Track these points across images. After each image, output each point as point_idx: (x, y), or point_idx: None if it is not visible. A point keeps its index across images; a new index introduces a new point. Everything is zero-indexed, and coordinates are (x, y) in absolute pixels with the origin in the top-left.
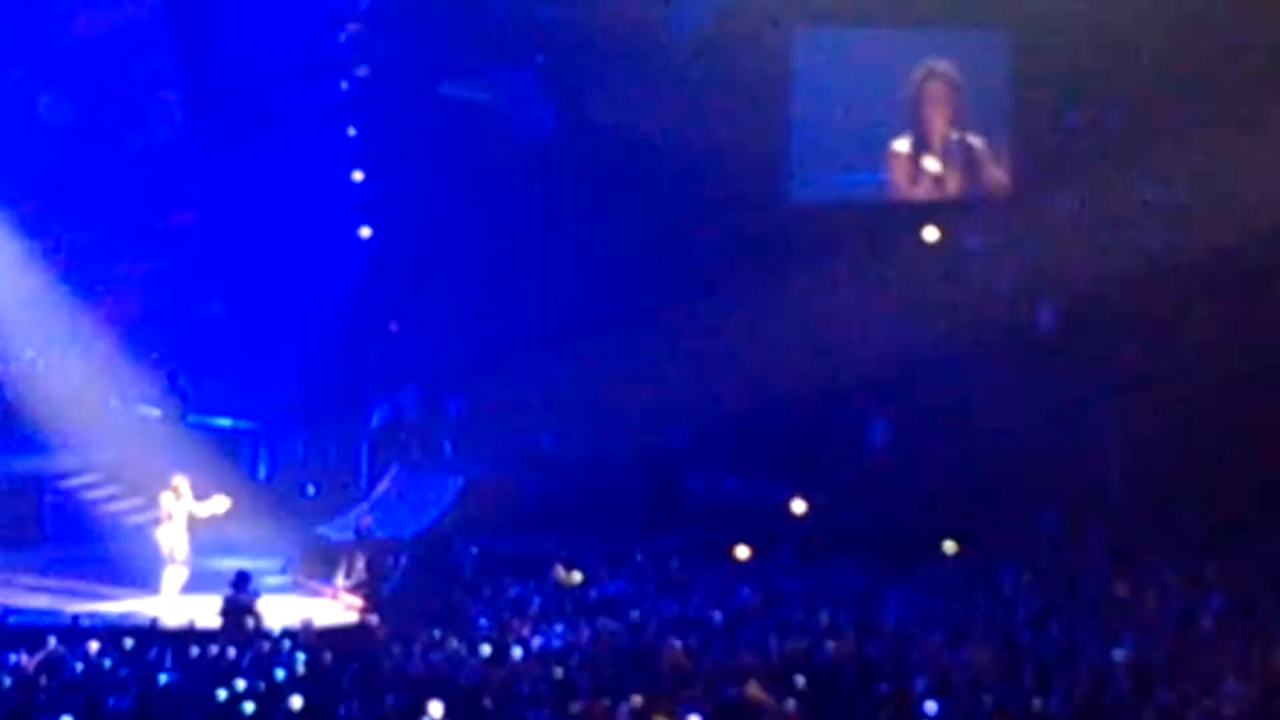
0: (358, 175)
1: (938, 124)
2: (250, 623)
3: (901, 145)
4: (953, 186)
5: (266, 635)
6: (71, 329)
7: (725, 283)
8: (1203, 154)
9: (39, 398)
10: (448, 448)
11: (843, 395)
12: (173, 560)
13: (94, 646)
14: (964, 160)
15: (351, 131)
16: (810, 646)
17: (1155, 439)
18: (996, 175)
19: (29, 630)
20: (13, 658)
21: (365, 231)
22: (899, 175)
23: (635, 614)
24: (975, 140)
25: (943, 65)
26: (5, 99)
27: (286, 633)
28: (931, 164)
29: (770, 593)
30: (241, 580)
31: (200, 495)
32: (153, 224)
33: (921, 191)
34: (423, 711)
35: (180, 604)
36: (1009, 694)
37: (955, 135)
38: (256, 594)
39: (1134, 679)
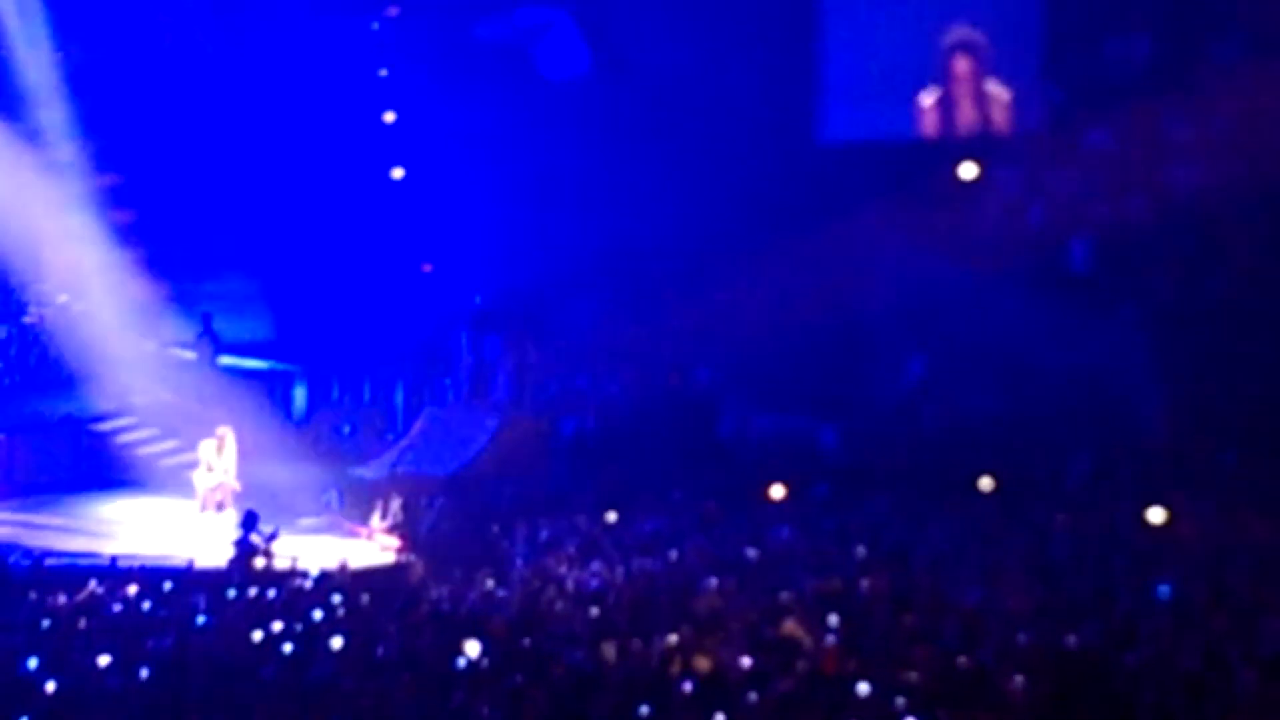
0: (390, 116)
1: (964, 87)
2: (262, 563)
3: (928, 99)
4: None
5: (286, 575)
6: (106, 272)
7: (758, 222)
8: (1239, 87)
9: (75, 341)
10: (483, 388)
11: (877, 333)
12: (210, 506)
13: (132, 589)
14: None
15: (383, 72)
16: (845, 584)
17: (1191, 374)
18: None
19: (67, 573)
20: (51, 600)
21: (398, 173)
22: (927, 127)
23: (672, 553)
24: (1001, 95)
25: (972, 33)
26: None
27: (323, 574)
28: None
29: (805, 530)
30: (250, 520)
31: (238, 439)
32: (185, 165)
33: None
34: (459, 651)
35: (218, 547)
36: (1043, 631)
37: (981, 96)
38: (272, 536)
39: (1172, 616)
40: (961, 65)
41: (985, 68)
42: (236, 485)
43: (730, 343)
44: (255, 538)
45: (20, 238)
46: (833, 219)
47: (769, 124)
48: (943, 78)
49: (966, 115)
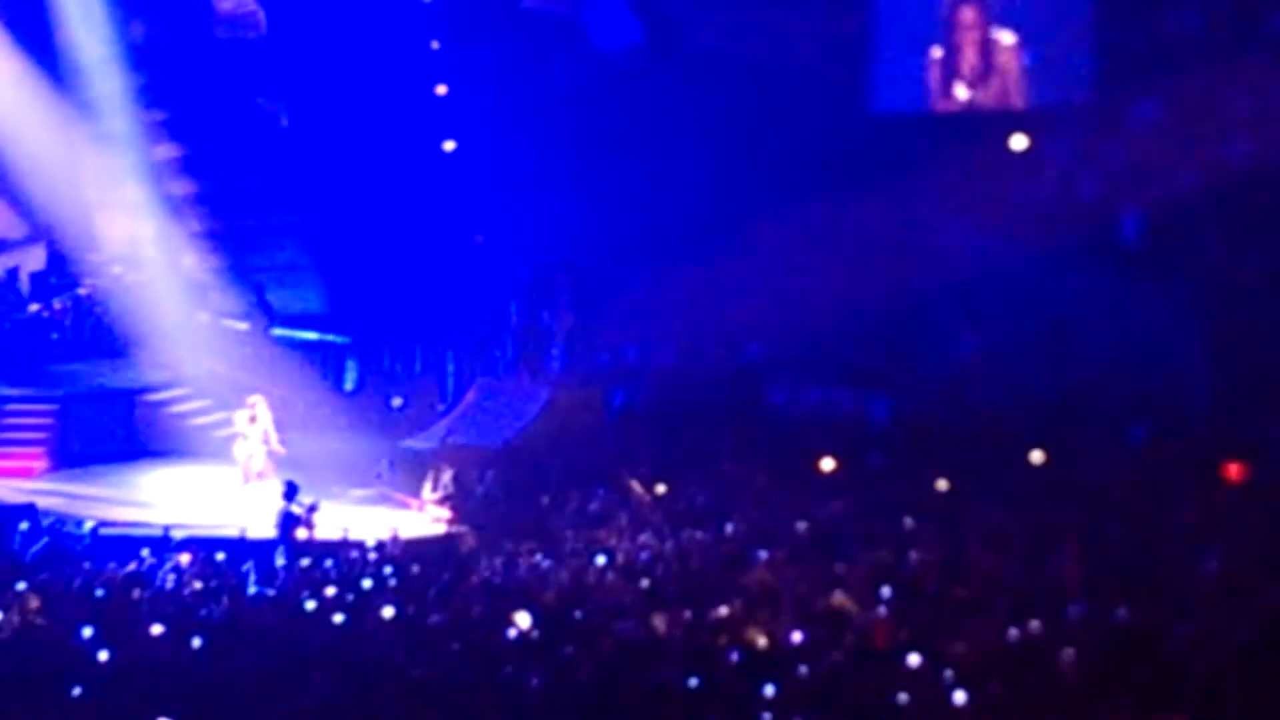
0: (442, 89)
1: (969, 35)
2: (304, 534)
3: (936, 52)
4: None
5: (337, 546)
6: (160, 244)
7: (809, 193)
8: None
9: (128, 313)
10: (534, 360)
11: (927, 306)
12: (251, 475)
13: (184, 558)
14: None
15: (435, 45)
16: (895, 556)
17: (1243, 348)
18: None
19: (121, 543)
20: (105, 570)
21: (450, 145)
22: (932, 80)
23: (724, 526)
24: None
25: None
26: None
27: (375, 544)
28: (961, 90)
29: (856, 503)
30: (290, 491)
31: (287, 409)
32: (239, 137)
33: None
34: (510, 622)
35: (263, 517)
36: (1094, 604)
37: (987, 44)
38: (313, 507)
39: (1224, 589)
40: (967, 14)
41: (992, 17)
42: (280, 450)
43: (781, 314)
44: (296, 508)
45: (75, 209)
46: (884, 190)
47: (820, 94)
48: (949, 29)
49: (970, 63)
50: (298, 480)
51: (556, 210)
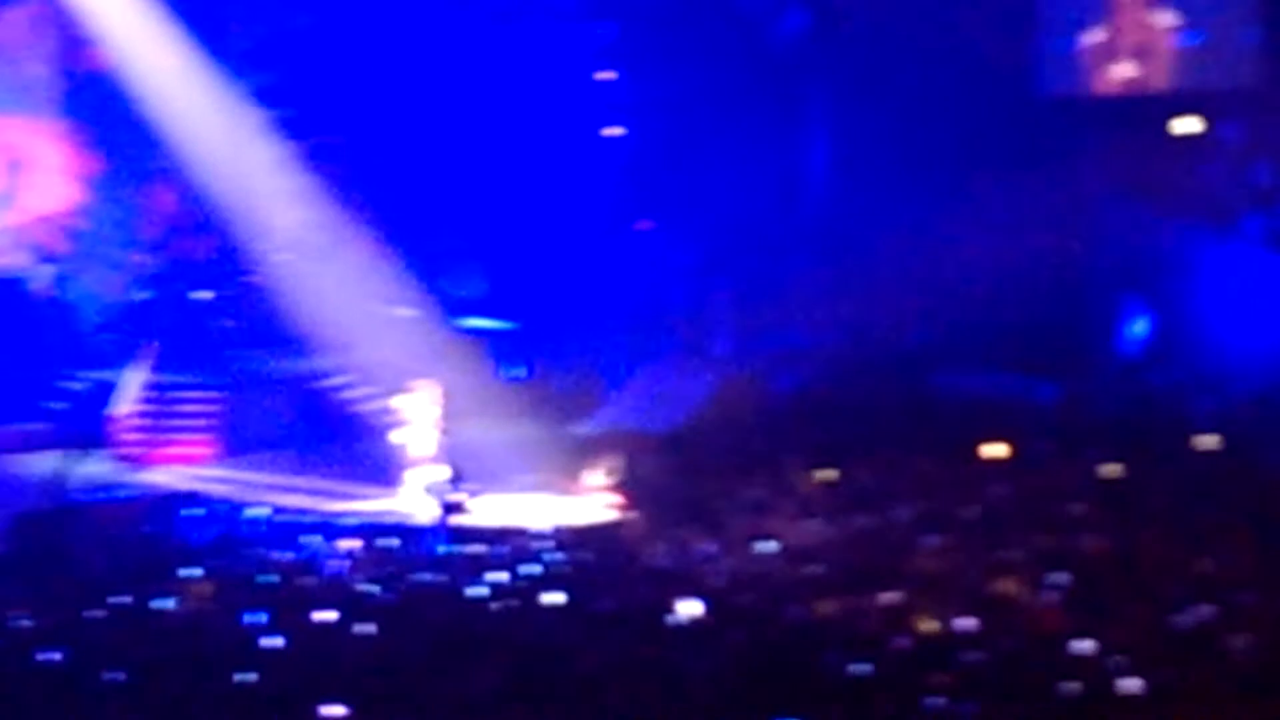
0: (608, 74)
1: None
2: (463, 520)
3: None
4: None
5: (504, 533)
6: (329, 231)
7: (976, 177)
8: None
9: (297, 300)
10: (700, 345)
11: (1097, 290)
12: (419, 462)
13: (353, 544)
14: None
15: (599, 30)
16: (1065, 542)
17: None
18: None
19: (290, 529)
20: (274, 557)
21: (615, 130)
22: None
23: (891, 512)
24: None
25: None
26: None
27: (541, 531)
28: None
29: (1023, 489)
30: (455, 477)
31: (452, 396)
32: (403, 123)
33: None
34: (676, 608)
35: (429, 503)
36: (1267, 591)
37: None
38: (474, 493)
39: None
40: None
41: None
42: (447, 436)
43: (948, 298)
44: (457, 495)
45: (242, 197)
46: (1052, 174)
47: (988, 77)
48: (1109, 11)
49: (1129, 45)
50: (463, 467)
51: (722, 195)
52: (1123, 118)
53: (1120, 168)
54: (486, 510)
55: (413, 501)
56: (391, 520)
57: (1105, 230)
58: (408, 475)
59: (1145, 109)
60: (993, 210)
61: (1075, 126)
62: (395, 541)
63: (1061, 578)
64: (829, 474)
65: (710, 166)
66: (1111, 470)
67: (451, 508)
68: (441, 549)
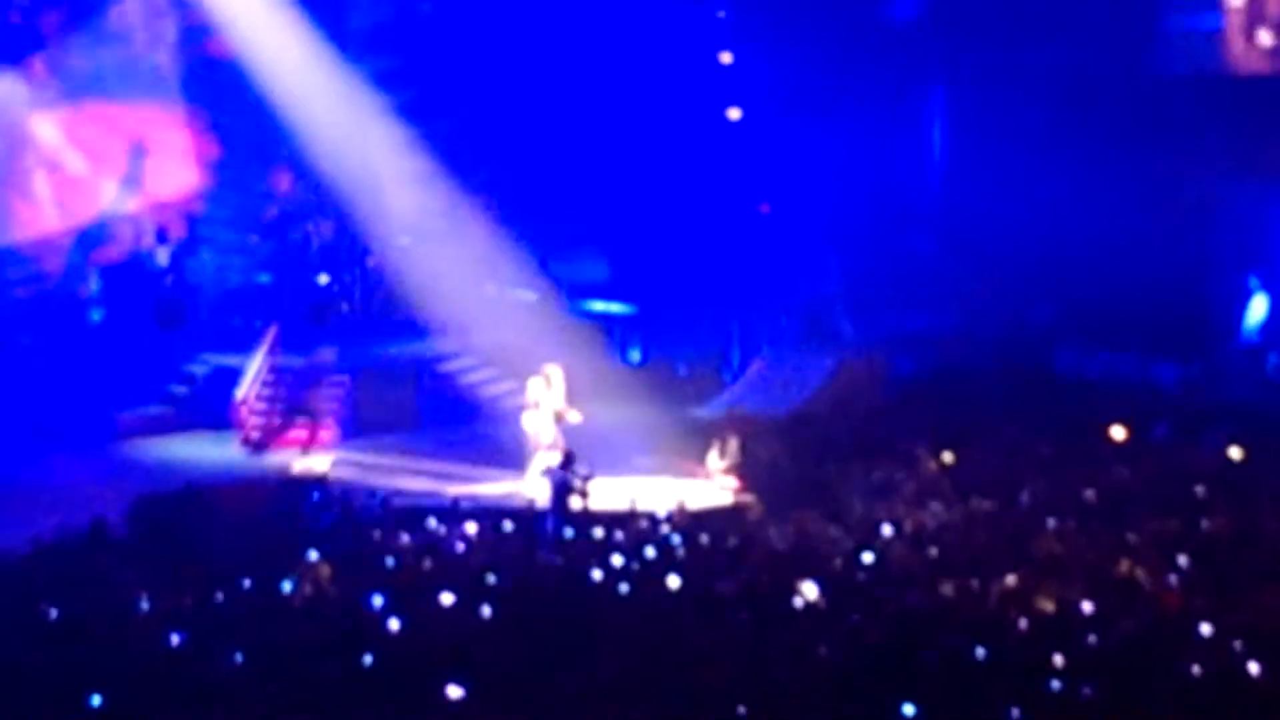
0: (727, 57)
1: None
2: (577, 503)
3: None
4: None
5: (625, 516)
6: (449, 214)
7: (1097, 156)
8: None
9: (416, 284)
10: (820, 328)
11: (1218, 271)
12: (541, 446)
13: (472, 527)
14: None
15: (721, 14)
16: (1186, 524)
17: None
18: None
19: (410, 512)
20: (395, 539)
21: (734, 113)
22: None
23: (1012, 494)
24: None
25: None
26: None
27: (661, 514)
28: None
29: (1145, 471)
30: (569, 460)
31: (574, 381)
32: (522, 107)
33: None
34: (796, 591)
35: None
36: None
37: None
38: (588, 476)
39: None
40: None
41: None
42: (573, 420)
43: (1067, 279)
44: (572, 478)
45: (362, 180)
46: (1173, 154)
47: (1108, 56)
48: None
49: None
50: (584, 451)
51: (842, 177)
52: (1247, 97)
53: (1242, 148)
54: (606, 494)
55: (532, 485)
56: (511, 504)
57: (1228, 211)
58: (528, 459)
59: (1270, 88)
60: (1115, 190)
61: (1200, 105)
62: (514, 525)
63: (1183, 560)
64: (948, 456)
65: (830, 148)
66: (1234, 452)
67: (566, 491)
68: (560, 531)
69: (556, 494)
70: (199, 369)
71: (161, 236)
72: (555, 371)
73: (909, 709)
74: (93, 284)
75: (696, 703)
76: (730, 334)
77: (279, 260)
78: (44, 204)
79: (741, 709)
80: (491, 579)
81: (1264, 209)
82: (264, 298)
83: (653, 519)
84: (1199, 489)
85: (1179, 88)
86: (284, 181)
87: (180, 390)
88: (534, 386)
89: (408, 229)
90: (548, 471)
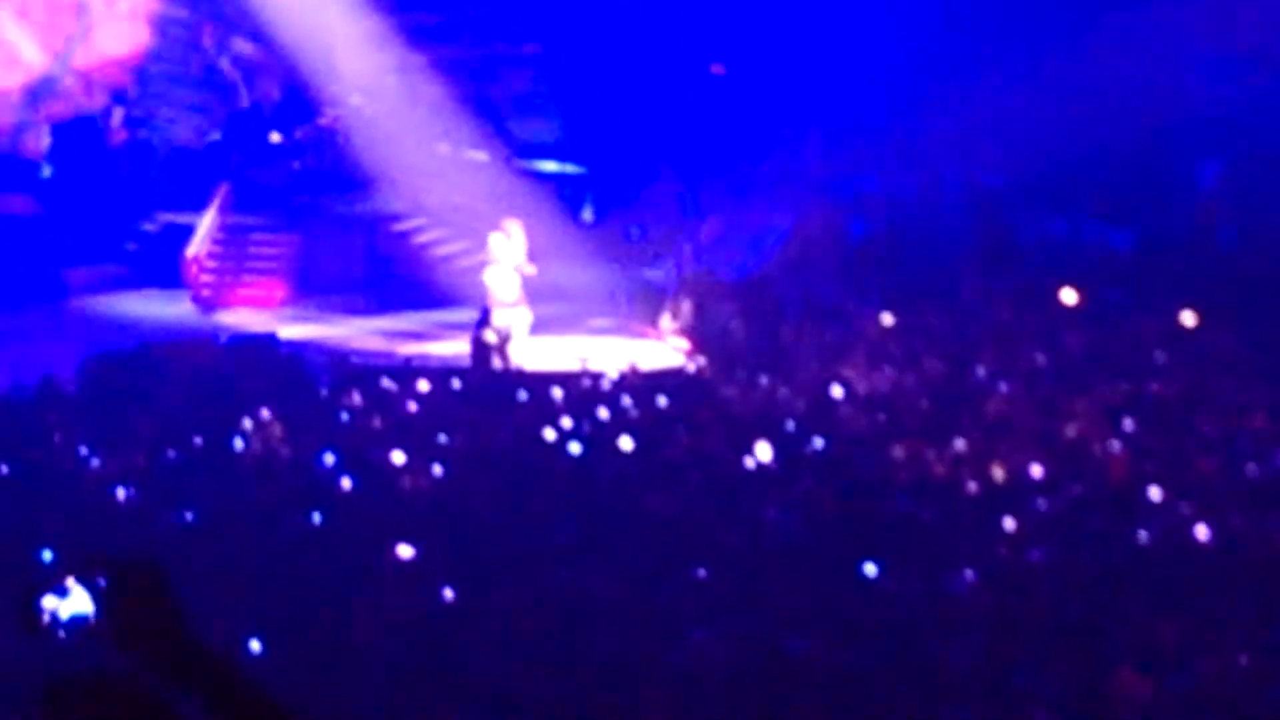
0: None
1: None
2: (497, 362)
3: None
4: None
5: (577, 376)
6: (399, 74)
7: (1055, 19)
8: None
9: (368, 142)
10: (777, 190)
11: (1175, 138)
12: (502, 302)
13: (424, 386)
14: None
15: None
16: (1135, 389)
17: None
18: None
19: (363, 371)
20: (347, 399)
21: None
22: None
23: (964, 359)
24: None
25: None
26: None
27: (614, 375)
28: None
29: (1097, 336)
30: (484, 318)
31: (528, 242)
32: None
33: None
34: (749, 453)
35: (529, 347)
36: None
37: None
38: (503, 335)
39: None
40: None
41: None
42: (531, 271)
43: (1022, 144)
44: (489, 335)
45: (314, 40)
46: (1132, 17)
47: None
48: None
49: None
50: (538, 311)
51: (797, 40)
52: None
53: (1205, 12)
54: (559, 353)
55: (486, 343)
56: (463, 362)
57: (1186, 76)
58: (484, 317)
59: None
60: (1073, 52)
61: None
62: (460, 383)
63: (1130, 425)
64: (902, 320)
65: (787, 8)
66: (1186, 319)
67: (484, 349)
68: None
69: (475, 353)
70: (150, 226)
71: (116, 96)
72: (515, 226)
73: (871, 568)
74: (44, 140)
75: (651, 565)
76: (683, 196)
77: (231, 119)
78: None
79: (700, 571)
80: (443, 439)
81: (1226, 73)
82: (215, 156)
83: (606, 380)
84: (1153, 354)
85: None
86: (237, 40)
87: (132, 248)
88: (495, 241)
89: (360, 88)
90: (498, 330)
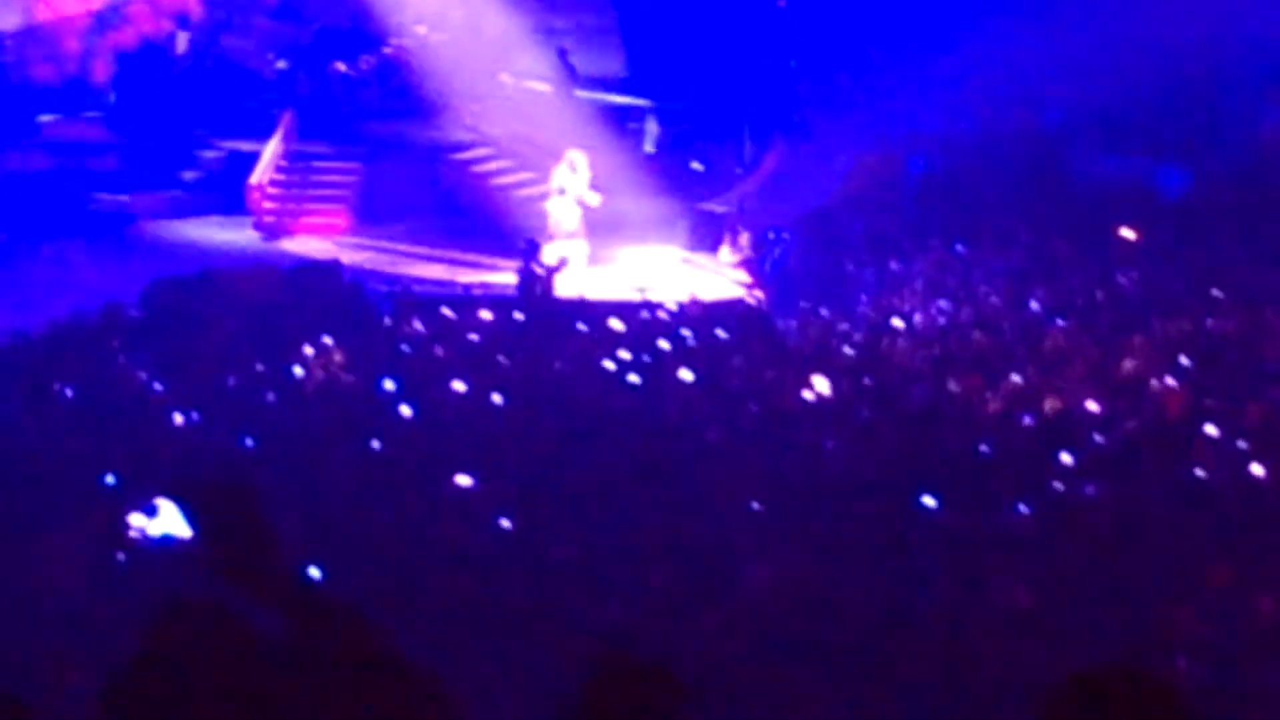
0: None
1: None
2: (539, 290)
3: None
4: None
5: (637, 307)
6: (464, 4)
7: None
8: None
9: (433, 72)
10: (833, 126)
11: (1234, 77)
12: (562, 233)
13: (485, 315)
14: None
15: None
16: (1193, 325)
17: None
18: None
19: (425, 299)
20: (409, 327)
21: None
22: None
23: (1020, 293)
24: None
25: None
26: None
27: (672, 306)
28: None
29: (1153, 272)
30: (531, 248)
31: (594, 171)
32: None
33: None
34: (807, 385)
35: (586, 277)
36: None
37: None
38: (557, 267)
39: None
40: None
41: None
42: (594, 201)
43: (1081, 81)
44: (536, 268)
45: None
46: None
47: None
48: None
49: None
50: (597, 240)
51: None
52: None
53: None
54: (619, 284)
55: (534, 274)
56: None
57: (1244, 15)
58: (531, 248)
59: None
60: None
61: None
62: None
63: (1189, 361)
64: (960, 255)
65: None
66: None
67: (532, 279)
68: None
69: (521, 283)
70: (214, 154)
71: (182, 21)
72: (579, 157)
73: (930, 500)
74: (110, 67)
75: (707, 496)
76: (744, 129)
77: (296, 46)
78: None
79: (755, 504)
80: (503, 363)
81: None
82: (281, 84)
83: (666, 311)
84: (1210, 291)
85: None
86: None
87: (193, 176)
88: (559, 172)
89: (425, 17)
90: (555, 261)
